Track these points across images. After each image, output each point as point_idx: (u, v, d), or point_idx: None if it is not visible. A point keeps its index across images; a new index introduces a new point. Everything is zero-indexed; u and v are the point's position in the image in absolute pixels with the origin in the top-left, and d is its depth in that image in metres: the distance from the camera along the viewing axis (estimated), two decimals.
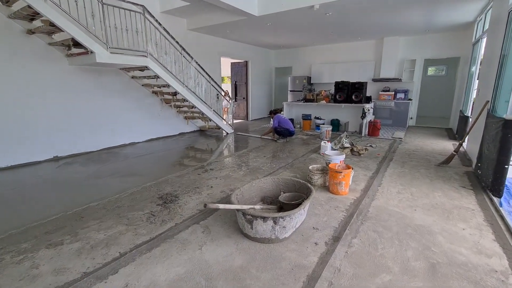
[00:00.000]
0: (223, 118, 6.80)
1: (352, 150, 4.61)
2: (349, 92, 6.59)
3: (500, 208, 2.60)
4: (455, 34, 7.00)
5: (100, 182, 3.53)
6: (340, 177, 2.95)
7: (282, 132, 5.83)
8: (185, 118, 6.77)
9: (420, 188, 3.18)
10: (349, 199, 2.90)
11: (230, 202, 2.22)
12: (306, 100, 7.40)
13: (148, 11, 4.57)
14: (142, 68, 5.03)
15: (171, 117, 6.53)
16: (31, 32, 3.96)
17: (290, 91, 9.56)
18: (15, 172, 3.90)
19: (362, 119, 6.27)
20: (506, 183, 2.82)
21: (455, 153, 4.04)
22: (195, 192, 3.12)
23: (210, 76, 6.15)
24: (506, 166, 2.77)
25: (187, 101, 5.75)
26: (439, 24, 6.27)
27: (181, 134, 6.79)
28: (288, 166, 4.08)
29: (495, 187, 2.89)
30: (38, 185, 3.42)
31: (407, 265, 1.82)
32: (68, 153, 4.73)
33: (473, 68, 5.86)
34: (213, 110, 6.37)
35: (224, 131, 6.89)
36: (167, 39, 5.06)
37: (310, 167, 3.40)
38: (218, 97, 7.15)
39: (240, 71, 9.43)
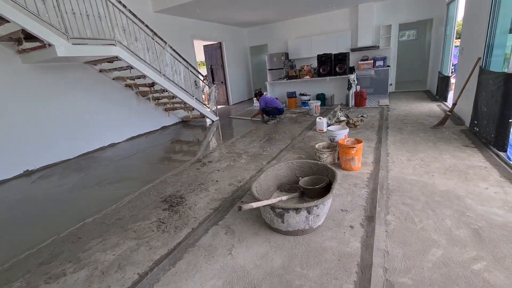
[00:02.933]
0: (206, 106, 6.40)
1: (348, 122, 4.53)
2: (332, 64, 6.45)
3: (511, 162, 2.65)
4: None
5: (89, 193, 3.12)
6: (352, 152, 2.83)
7: (272, 112, 5.62)
8: (166, 110, 6.27)
9: (427, 152, 3.17)
10: (364, 173, 2.81)
11: (253, 197, 2.00)
12: (289, 77, 7.17)
13: None
14: (111, 60, 4.45)
15: (150, 110, 6.01)
16: None
17: (269, 69, 9.22)
18: None
19: (349, 91, 6.20)
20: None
21: (450, 113, 4.10)
22: (201, 189, 2.85)
23: (187, 62, 5.65)
24: (510, 120, 2.81)
25: (166, 91, 5.27)
26: None
27: (163, 128, 6.31)
28: (289, 148, 3.90)
29: (499, 142, 2.94)
30: (14, 208, 2.94)
31: (451, 235, 1.75)
32: (41, 164, 4.17)
33: (449, 29, 5.93)
34: (195, 98, 5.94)
35: (208, 119, 6.53)
36: (135, 23, 4.47)
37: (316, 146, 3.25)
38: (196, 84, 6.69)
39: (214, 54, 8.88)
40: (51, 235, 2.28)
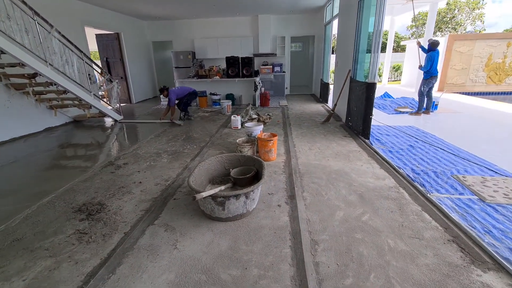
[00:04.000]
0: (107, 103, 5.66)
1: (258, 120, 5.05)
2: (240, 66, 6.94)
3: (373, 146, 3.72)
4: (311, 15, 8.53)
5: None
6: (270, 145, 3.27)
7: (188, 100, 5.59)
8: (51, 107, 5.15)
9: (322, 142, 4.00)
10: (280, 162, 3.30)
11: (193, 190, 2.08)
12: (199, 76, 7.21)
13: None
14: None
15: (28, 108, 4.80)
16: None
17: (175, 67, 8.93)
18: None
19: (255, 92, 6.84)
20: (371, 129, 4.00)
21: (332, 112, 5.23)
22: (124, 193, 2.63)
23: (81, 51, 4.85)
24: (370, 117, 3.92)
25: (54, 84, 4.36)
26: (299, 6, 7.41)
27: (48, 129, 5.17)
28: (210, 145, 4.04)
29: (365, 133, 4.05)
30: None
31: (347, 200, 2.38)
32: None
33: (327, 45, 7.46)
34: (94, 94, 5.17)
35: (109, 119, 5.80)
36: None
37: (237, 141, 3.53)
38: (91, 78, 5.80)
39: (111, 45, 7.85)
40: None
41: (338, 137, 4.27)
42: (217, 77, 7.10)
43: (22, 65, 3.87)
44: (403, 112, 5.89)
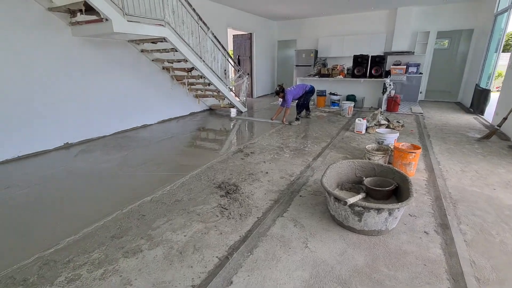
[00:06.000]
0: (238, 96, 6.36)
1: (387, 126, 4.47)
2: (368, 66, 6.35)
3: None
4: (472, 4, 6.83)
5: (137, 171, 3.13)
6: (410, 157, 2.79)
7: (305, 101, 5.39)
8: (196, 96, 6.24)
9: (481, 165, 3.12)
10: (420, 180, 2.78)
11: (327, 192, 1.99)
12: (320, 75, 7.08)
13: None
14: (155, 40, 4.42)
15: (182, 95, 5.99)
16: None
17: (296, 65, 9.13)
18: (27, 164, 3.37)
19: (383, 94, 6.12)
20: None
21: (497, 128, 4.02)
22: (253, 179, 2.84)
23: (225, 50, 5.60)
24: None
25: (203, 78, 5.23)
26: None
27: (192, 114, 6.31)
28: (331, 147, 3.87)
29: None
30: (65, 180, 2.96)
31: None
32: (80, 138, 4.19)
33: (493, 41, 5.78)
34: (229, 87, 5.90)
35: (234, 110, 6.50)
36: (184, 5, 4.42)
37: (367, 147, 3.21)
38: (225, 73, 6.63)
39: (243, 44, 8.79)
40: (113, 210, 2.29)
41: (508, 161, 3.23)
42: (341, 76, 6.76)
43: (186, 60, 4.79)
44: None
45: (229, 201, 2.42)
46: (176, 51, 4.50)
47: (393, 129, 4.44)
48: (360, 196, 1.99)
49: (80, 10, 3.35)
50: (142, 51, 4.89)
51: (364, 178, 2.40)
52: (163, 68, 5.36)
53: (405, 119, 5.51)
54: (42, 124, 3.70)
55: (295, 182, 2.78)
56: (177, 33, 4.34)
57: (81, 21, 3.65)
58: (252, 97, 9.20)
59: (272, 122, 5.51)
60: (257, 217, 2.16)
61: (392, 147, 3.18)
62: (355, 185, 2.47)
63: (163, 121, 5.57)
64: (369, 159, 3.10)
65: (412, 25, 7.50)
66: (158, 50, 4.85)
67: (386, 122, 4.49)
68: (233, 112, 6.59)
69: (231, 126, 5.38)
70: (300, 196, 2.49)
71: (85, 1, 3.11)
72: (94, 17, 3.51)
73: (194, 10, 4.65)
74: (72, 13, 3.56)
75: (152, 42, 4.52)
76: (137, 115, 5.04)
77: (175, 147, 4.06)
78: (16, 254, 1.78)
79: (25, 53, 3.43)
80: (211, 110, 6.84)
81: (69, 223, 2.13)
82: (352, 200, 1.77)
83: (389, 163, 3.14)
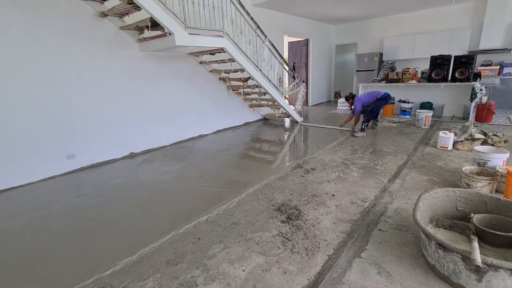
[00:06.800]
0: (292, 105, 6.06)
1: (485, 141, 3.60)
2: (450, 68, 5.38)
3: None
4: None
5: (193, 186, 3.05)
6: None
7: (374, 108, 4.77)
8: (251, 106, 6.14)
9: None
10: None
11: (424, 232, 1.51)
12: (388, 80, 6.31)
13: None
14: (213, 51, 4.43)
15: (237, 105, 5.94)
16: (104, 15, 3.51)
17: (357, 71, 8.41)
18: (98, 172, 3.61)
19: (471, 101, 5.08)
20: None
21: None
22: (318, 203, 2.47)
23: (282, 58, 5.38)
24: None
25: (259, 87, 5.07)
26: None
27: (246, 124, 6.21)
28: (410, 166, 3.24)
29: None
30: (128, 190, 3.04)
31: None
32: (143, 148, 4.39)
33: None
34: (285, 96, 5.64)
35: (288, 120, 6.19)
36: (242, 15, 4.34)
37: (463, 169, 2.54)
38: (280, 81, 6.38)
39: (299, 51, 8.49)
40: (169, 228, 2.18)
41: None
42: (414, 81, 5.89)
43: (242, 70, 4.70)
44: None
45: (291, 229, 2.09)
46: (234, 61, 4.43)
47: (493, 145, 3.55)
48: (475, 244, 1.46)
49: (147, 27, 3.50)
50: (201, 62, 4.98)
51: (472, 214, 1.82)
52: (220, 78, 5.38)
53: (505, 131, 4.44)
54: (111, 134, 3.96)
55: (370, 210, 2.31)
56: (235, 43, 4.26)
57: (147, 37, 3.83)
58: (307, 105, 8.78)
59: (340, 129, 5.13)
60: (328, 255, 1.78)
61: (501, 170, 2.46)
62: (457, 223, 1.90)
63: (218, 131, 5.58)
64: (468, 185, 2.44)
65: (509, 16, 6.17)
66: (216, 61, 4.87)
67: (483, 136, 3.61)
68: (287, 121, 6.30)
69: (287, 137, 5.08)
70: (380, 230, 2.02)
71: (151, 17, 3.22)
72: (159, 32, 3.63)
73: (252, 19, 4.55)
74: (140, 30, 3.76)
75: (211, 54, 4.54)
76: (194, 125, 5.13)
77: (230, 159, 3.92)
78: (77, 271, 1.76)
79: (99, 70, 3.72)
80: (265, 119, 6.67)
81: (127, 240, 2.08)
82: (478, 257, 1.26)
83: (496, 192, 2.42)
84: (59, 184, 3.30)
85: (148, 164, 3.85)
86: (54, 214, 2.56)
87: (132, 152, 4.26)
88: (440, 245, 1.44)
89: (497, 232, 1.64)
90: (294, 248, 1.87)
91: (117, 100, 3.96)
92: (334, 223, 2.15)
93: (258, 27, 4.69)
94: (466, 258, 1.32)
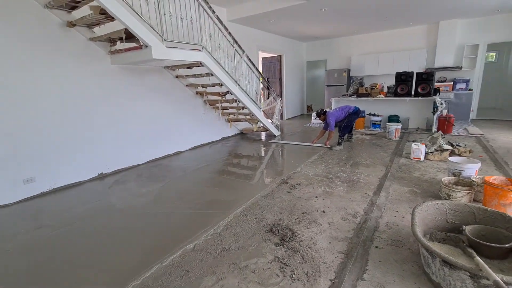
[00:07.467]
0: (271, 120, 6.06)
1: (452, 152, 3.86)
2: (413, 84, 5.82)
3: None
4: None
5: (174, 208, 2.81)
6: (511, 196, 2.21)
7: (348, 123, 4.88)
8: (229, 120, 6.03)
9: None
10: None
11: (430, 252, 1.49)
12: (358, 95, 6.63)
13: None
14: (191, 65, 4.29)
15: (214, 120, 5.79)
16: (72, 24, 3.22)
17: (327, 85, 8.78)
18: (62, 198, 3.19)
19: (434, 114, 5.50)
20: None
21: None
22: (310, 221, 2.39)
23: (260, 73, 5.40)
24: None
25: (238, 102, 5.00)
26: None
27: (224, 138, 6.06)
28: (390, 177, 3.34)
29: None
30: (99, 217, 2.70)
31: None
32: (113, 168, 4.02)
33: None
34: (262, 110, 5.63)
35: (265, 134, 6.18)
36: (220, 30, 4.29)
37: (443, 180, 2.66)
38: (257, 96, 6.40)
39: (272, 66, 8.66)
40: (151, 261, 1.93)
41: None
42: (382, 95, 6.27)
43: (221, 85, 4.61)
44: None
45: (287, 252, 1.97)
46: (212, 75, 4.33)
47: (459, 155, 3.82)
48: (482, 262, 1.46)
49: (121, 38, 3.28)
50: (177, 76, 4.79)
51: (464, 226, 1.87)
52: (197, 93, 5.22)
53: (464, 141, 4.83)
54: (77, 154, 3.57)
55: (362, 226, 2.28)
56: (213, 57, 4.18)
57: (120, 49, 3.59)
58: (282, 119, 8.88)
59: (312, 145, 5.06)
60: (330, 280, 1.69)
61: (476, 180, 2.61)
62: (450, 235, 1.93)
63: (196, 147, 5.35)
64: (449, 195, 2.54)
65: (458, 38, 6.93)
66: (193, 75, 4.73)
67: (450, 147, 3.88)
68: (264, 135, 6.28)
69: (267, 152, 5.02)
70: (376, 247, 1.99)
71: (126, 29, 3.02)
72: (133, 45, 3.42)
73: (230, 34, 4.52)
74: (112, 41, 3.51)
75: (188, 68, 4.40)
76: (170, 141, 4.86)
77: (211, 177, 3.74)
78: None
79: (65, 84, 3.38)
80: (242, 134, 6.58)
81: (102, 278, 1.79)
82: (496, 276, 1.24)
83: (474, 201, 2.56)
84: (14, 214, 2.84)
85: (120, 185, 3.51)
86: (7, 252, 2.15)
87: (102, 173, 3.87)
88: (446, 262, 1.42)
89: (492, 244, 1.68)
90: (294, 274, 1.75)
91: (85, 116, 3.61)
92: (330, 242, 2.07)
93: (236, 42, 4.68)
94: (475, 276, 1.31)
